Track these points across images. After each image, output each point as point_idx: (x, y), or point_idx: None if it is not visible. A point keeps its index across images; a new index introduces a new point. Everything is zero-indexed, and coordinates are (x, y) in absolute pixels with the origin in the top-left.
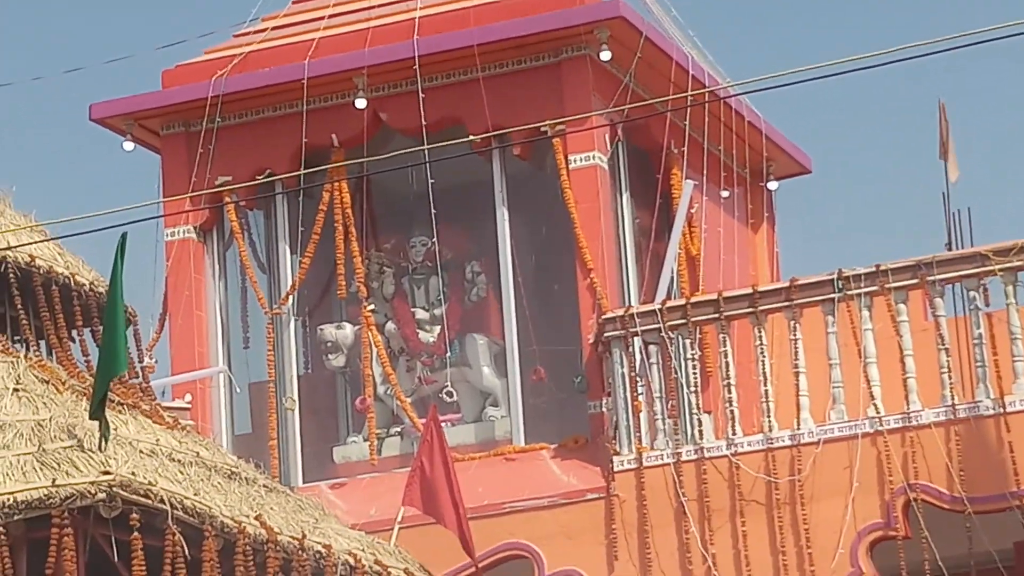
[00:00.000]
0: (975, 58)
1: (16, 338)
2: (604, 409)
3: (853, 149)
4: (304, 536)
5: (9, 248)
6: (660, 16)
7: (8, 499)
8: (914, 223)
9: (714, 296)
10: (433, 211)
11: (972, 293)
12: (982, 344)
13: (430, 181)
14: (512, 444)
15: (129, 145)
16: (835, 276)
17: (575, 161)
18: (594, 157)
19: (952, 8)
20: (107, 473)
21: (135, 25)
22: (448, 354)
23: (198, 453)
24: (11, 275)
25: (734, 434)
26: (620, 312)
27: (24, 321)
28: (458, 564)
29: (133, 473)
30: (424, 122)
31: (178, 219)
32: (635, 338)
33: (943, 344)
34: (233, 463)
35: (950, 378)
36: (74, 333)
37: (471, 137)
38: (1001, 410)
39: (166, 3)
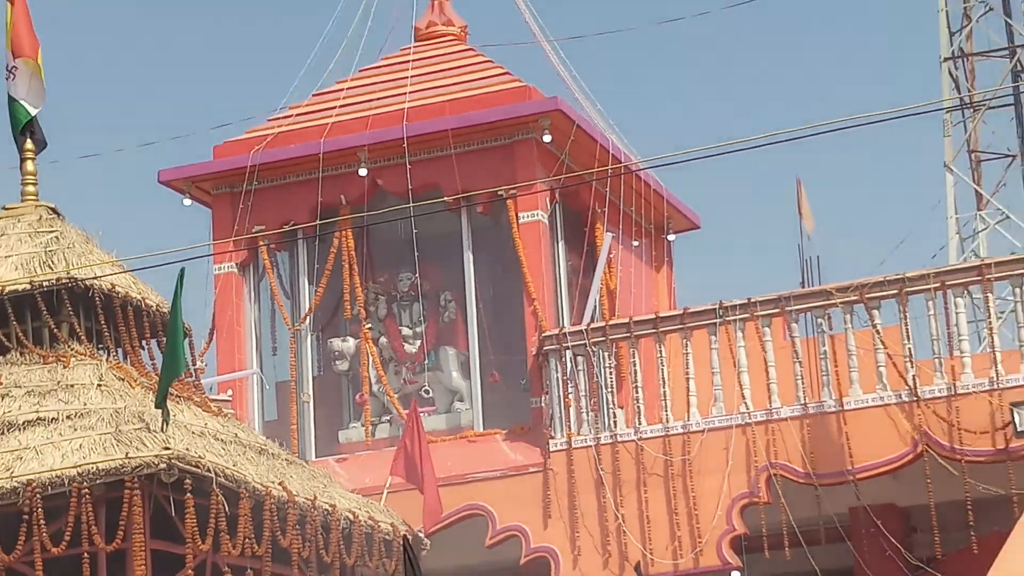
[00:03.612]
0: (826, 142)
1: (100, 346)
2: (543, 404)
3: (733, 210)
4: (315, 498)
5: (96, 277)
6: (589, 109)
7: (92, 468)
8: (777, 267)
9: (626, 320)
10: (416, 254)
11: (819, 320)
12: (827, 358)
13: (414, 231)
14: (473, 430)
15: (187, 201)
16: (717, 306)
17: (523, 217)
18: (538, 215)
19: (810, 100)
20: (167, 449)
21: (193, 109)
22: (426, 361)
23: (236, 434)
24: (96, 298)
25: (640, 424)
26: (556, 331)
27: (106, 333)
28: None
29: (187, 449)
30: (410, 186)
31: (224, 258)
32: (567, 351)
33: (797, 358)
34: (263, 442)
35: (802, 383)
36: (143, 343)
37: (446, 198)
38: (840, 408)
39: (217, 94)
